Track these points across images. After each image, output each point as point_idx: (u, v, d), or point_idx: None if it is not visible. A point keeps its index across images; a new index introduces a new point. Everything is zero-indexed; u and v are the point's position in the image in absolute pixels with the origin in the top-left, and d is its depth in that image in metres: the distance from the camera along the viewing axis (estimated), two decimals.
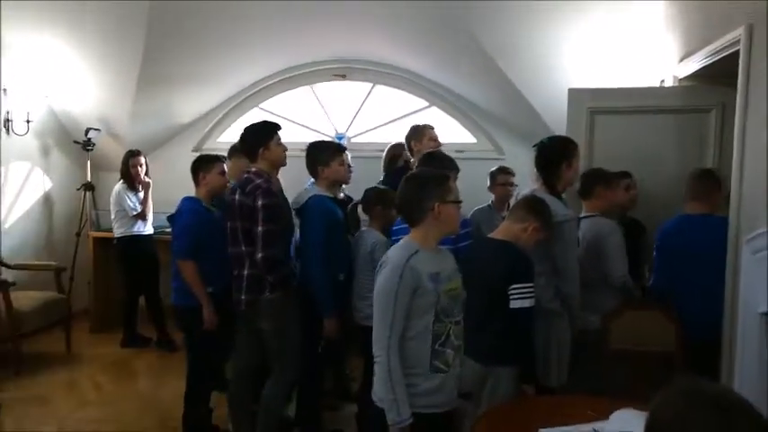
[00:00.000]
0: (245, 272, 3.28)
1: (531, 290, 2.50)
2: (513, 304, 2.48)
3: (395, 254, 2.23)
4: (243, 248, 3.26)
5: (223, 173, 3.83)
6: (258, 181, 3.24)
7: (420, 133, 4.06)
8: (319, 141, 3.79)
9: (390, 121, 6.36)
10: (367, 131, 6.40)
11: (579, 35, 4.57)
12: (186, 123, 6.47)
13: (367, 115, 6.42)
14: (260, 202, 3.17)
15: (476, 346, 2.60)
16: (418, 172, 2.48)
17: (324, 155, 3.53)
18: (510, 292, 2.49)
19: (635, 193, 3.86)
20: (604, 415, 2.11)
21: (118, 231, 5.45)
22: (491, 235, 2.77)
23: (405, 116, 6.31)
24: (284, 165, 3.47)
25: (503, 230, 2.74)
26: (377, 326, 2.17)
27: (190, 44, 5.19)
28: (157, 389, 4.59)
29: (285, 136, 3.50)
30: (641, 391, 2.97)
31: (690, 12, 3.71)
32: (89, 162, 6.05)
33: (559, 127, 4.98)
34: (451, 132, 6.08)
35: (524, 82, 5.11)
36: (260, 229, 3.17)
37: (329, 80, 6.38)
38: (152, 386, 4.73)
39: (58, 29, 5.01)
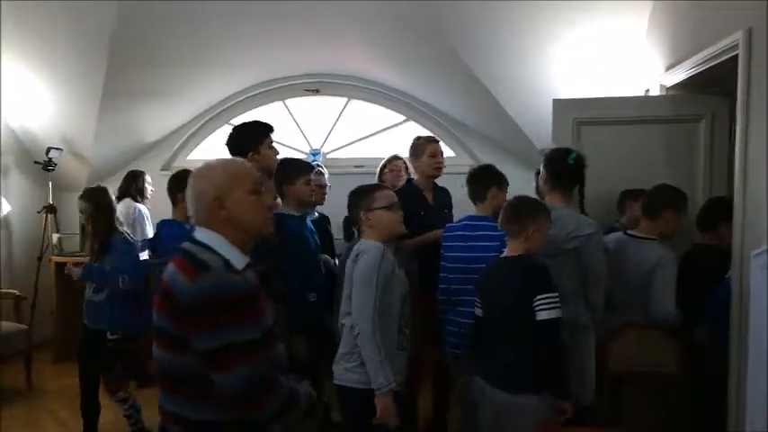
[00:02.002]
0: None
1: (557, 299, 2.36)
2: (540, 316, 2.35)
3: (370, 246, 2.52)
4: None
5: None
6: None
7: (419, 150, 3.83)
8: (288, 159, 3.56)
9: (366, 137, 6.20)
10: (342, 147, 6.22)
11: (561, 46, 4.46)
12: (153, 141, 6.20)
13: (342, 130, 6.25)
14: None
15: (500, 372, 2.47)
16: (354, 189, 2.73)
17: (289, 173, 3.31)
18: (535, 305, 2.36)
19: None
20: None
21: None
22: (502, 256, 2.62)
23: (381, 131, 6.17)
24: (273, 171, 3.24)
25: (511, 250, 2.58)
26: (360, 301, 2.45)
27: (157, 58, 4.94)
28: (127, 424, 4.28)
29: None
30: (644, 415, 2.85)
31: (678, 20, 3.62)
32: (50, 183, 5.75)
33: (541, 140, 4.88)
34: None
35: (504, 94, 4.98)
36: None
37: (302, 95, 6.21)
38: (121, 421, 4.42)
39: (15, 42, 4.74)
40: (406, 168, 4.31)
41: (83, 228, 3.81)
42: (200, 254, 1.66)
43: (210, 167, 1.78)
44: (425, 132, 5.95)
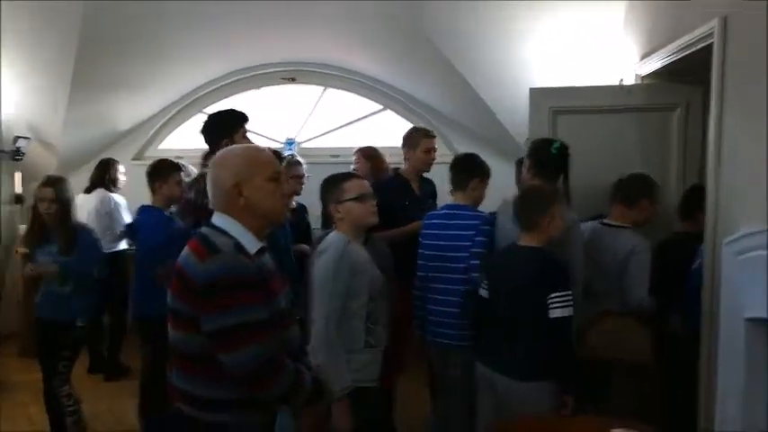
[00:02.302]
0: None
1: (571, 297, 2.42)
2: (554, 313, 2.40)
3: (334, 241, 2.48)
4: None
5: (180, 183, 3.68)
6: None
7: (414, 141, 3.80)
8: None
9: (343, 126, 6.15)
10: (319, 136, 6.17)
11: (537, 35, 4.45)
12: (125, 130, 6.09)
13: (318, 120, 6.19)
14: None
15: (508, 360, 2.51)
16: (326, 178, 2.72)
17: None
18: (549, 302, 2.41)
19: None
20: None
21: (108, 247, 4.83)
22: (520, 242, 2.63)
23: (358, 120, 6.13)
24: None
25: (527, 240, 2.59)
26: (316, 302, 2.41)
27: (128, 45, 4.82)
28: (98, 419, 4.19)
29: None
30: (621, 401, 2.86)
31: (655, 9, 3.62)
32: (18, 173, 5.61)
33: (518, 130, 4.88)
34: None
35: (481, 84, 4.96)
36: None
37: (278, 84, 6.14)
38: (92, 416, 4.34)
39: None
40: (371, 157, 4.26)
41: (35, 216, 3.59)
42: (213, 237, 1.70)
43: (231, 154, 1.80)
44: (403, 121, 5.95)
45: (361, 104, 6.11)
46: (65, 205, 3.54)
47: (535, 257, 2.52)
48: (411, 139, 3.82)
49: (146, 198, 3.79)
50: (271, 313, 1.66)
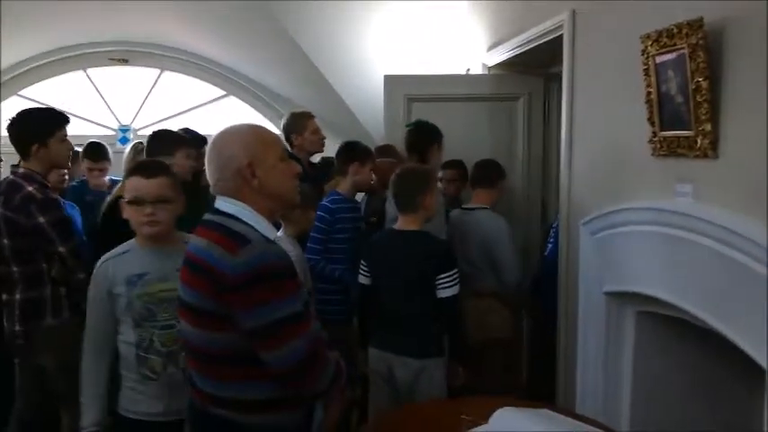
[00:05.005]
0: (18, 296, 2.63)
1: (458, 276, 2.50)
2: (444, 293, 2.47)
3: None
4: (14, 268, 2.62)
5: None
6: (29, 189, 2.58)
7: (301, 126, 3.60)
8: (164, 131, 3.32)
9: (183, 112, 5.80)
10: (156, 123, 5.74)
11: (386, 23, 4.46)
12: None
13: (156, 105, 5.77)
14: (43, 220, 2.56)
15: (408, 341, 2.54)
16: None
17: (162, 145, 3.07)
18: (438, 283, 2.47)
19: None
20: (481, 417, 1.95)
21: None
22: (396, 227, 2.63)
23: (199, 106, 5.82)
24: (66, 167, 3.02)
25: (406, 224, 2.59)
26: None
27: None
28: None
29: None
30: (484, 382, 2.95)
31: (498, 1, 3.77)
32: None
33: (369, 117, 4.89)
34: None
35: (332, 70, 4.88)
36: (62, 249, 2.61)
37: (106, 65, 5.61)
38: None
39: None
40: None
41: None
42: (233, 226, 1.54)
43: (236, 132, 1.62)
44: (248, 108, 5.74)
45: (203, 89, 5.78)
46: None
47: (419, 242, 2.54)
48: (296, 124, 3.63)
49: None
50: (303, 304, 1.55)
